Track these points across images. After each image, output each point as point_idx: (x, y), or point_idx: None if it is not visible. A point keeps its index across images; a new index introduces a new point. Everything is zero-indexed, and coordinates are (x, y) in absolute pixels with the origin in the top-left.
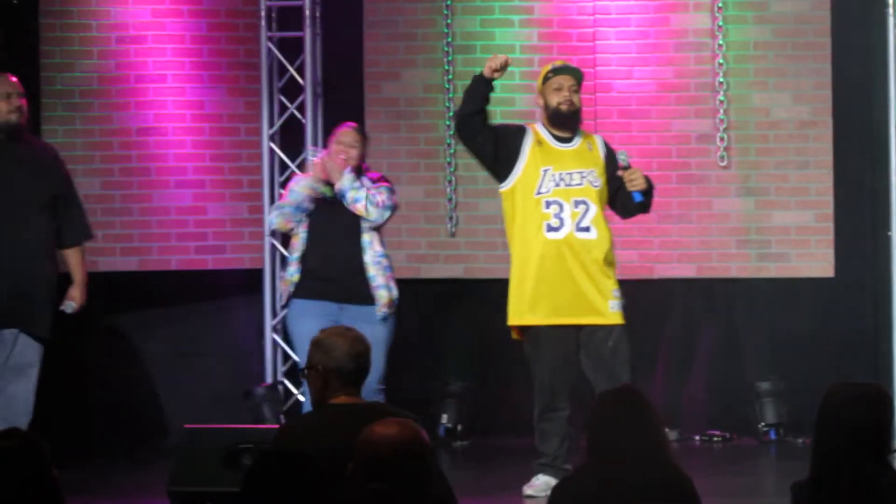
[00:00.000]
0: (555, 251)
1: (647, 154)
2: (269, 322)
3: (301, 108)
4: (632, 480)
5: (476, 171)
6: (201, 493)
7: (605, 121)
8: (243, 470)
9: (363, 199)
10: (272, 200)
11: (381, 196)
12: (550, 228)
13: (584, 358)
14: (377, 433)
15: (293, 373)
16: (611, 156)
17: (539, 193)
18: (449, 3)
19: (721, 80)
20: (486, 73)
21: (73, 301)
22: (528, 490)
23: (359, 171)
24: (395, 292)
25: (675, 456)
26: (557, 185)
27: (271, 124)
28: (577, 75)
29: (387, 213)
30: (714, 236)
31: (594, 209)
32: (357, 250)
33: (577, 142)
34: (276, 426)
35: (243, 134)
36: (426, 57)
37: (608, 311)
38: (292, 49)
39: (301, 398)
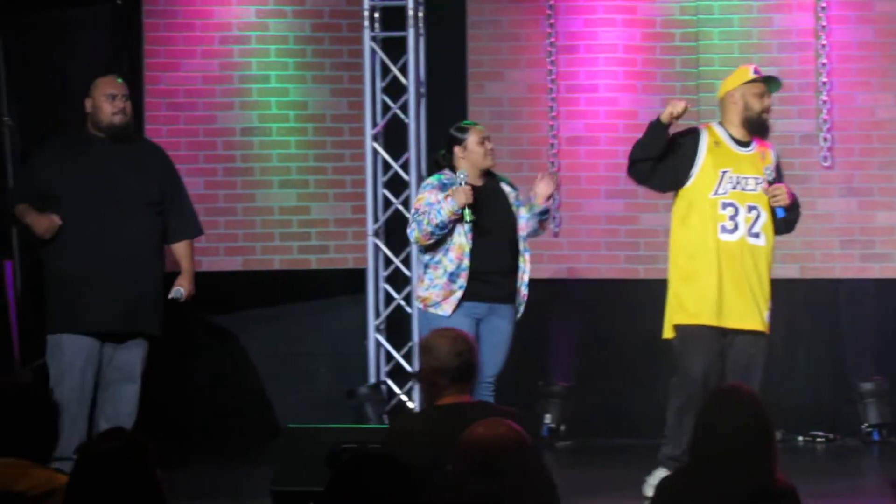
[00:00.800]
0: (729, 253)
1: None
2: (371, 322)
3: (404, 108)
4: (734, 487)
5: (579, 172)
6: (304, 493)
7: (709, 121)
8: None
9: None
10: (375, 200)
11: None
12: (724, 230)
13: (725, 360)
14: (479, 434)
15: (396, 373)
16: (778, 170)
17: (716, 194)
18: (552, 2)
19: (824, 80)
20: (665, 118)
21: (181, 287)
22: (652, 481)
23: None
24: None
25: (780, 461)
26: (734, 187)
27: (374, 124)
28: (775, 86)
29: None
30: (818, 237)
31: (764, 216)
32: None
33: (754, 147)
34: (379, 426)
35: (347, 134)
36: (529, 57)
37: (763, 320)
38: (395, 49)
39: (404, 398)
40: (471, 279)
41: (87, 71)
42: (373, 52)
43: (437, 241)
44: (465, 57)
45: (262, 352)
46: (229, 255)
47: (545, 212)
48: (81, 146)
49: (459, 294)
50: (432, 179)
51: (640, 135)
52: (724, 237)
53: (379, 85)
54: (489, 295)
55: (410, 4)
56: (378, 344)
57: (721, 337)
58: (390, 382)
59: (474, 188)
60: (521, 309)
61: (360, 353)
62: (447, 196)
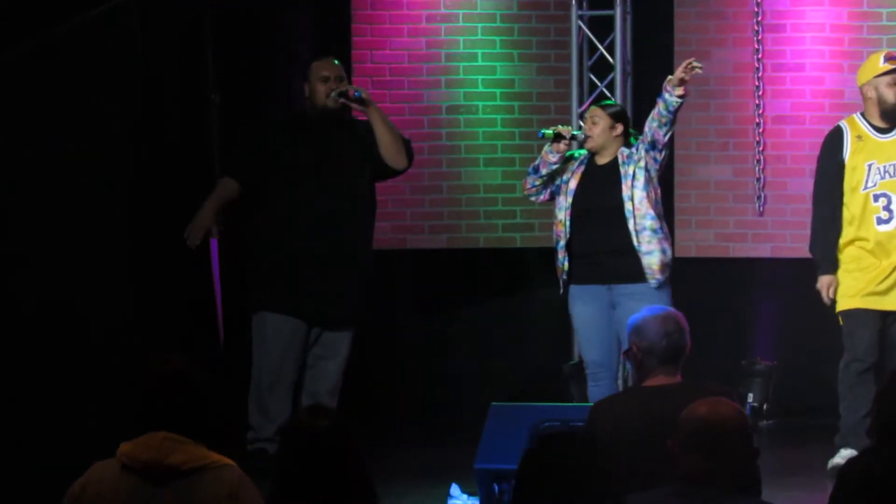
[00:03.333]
0: (881, 243)
1: None
2: None
3: (611, 87)
4: None
5: (785, 151)
6: (507, 471)
7: (852, 114)
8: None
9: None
10: None
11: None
12: (881, 221)
13: (884, 342)
14: (701, 412)
15: None
16: None
17: (867, 188)
18: None
19: None
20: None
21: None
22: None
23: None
24: (668, 254)
25: None
26: (883, 177)
27: (581, 103)
28: None
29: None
30: (789, 217)
31: None
32: (621, 228)
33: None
34: (583, 404)
35: (553, 112)
36: (736, 36)
37: None
38: (602, 27)
39: None
40: (575, 259)
41: (294, 51)
42: (580, 30)
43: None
44: (672, 36)
45: (466, 330)
46: (434, 234)
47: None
48: (297, 127)
49: (564, 272)
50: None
51: (845, 114)
52: (882, 228)
53: (586, 63)
54: (599, 276)
55: None
56: None
57: (881, 319)
58: None
59: (598, 167)
60: (653, 263)
61: (564, 330)
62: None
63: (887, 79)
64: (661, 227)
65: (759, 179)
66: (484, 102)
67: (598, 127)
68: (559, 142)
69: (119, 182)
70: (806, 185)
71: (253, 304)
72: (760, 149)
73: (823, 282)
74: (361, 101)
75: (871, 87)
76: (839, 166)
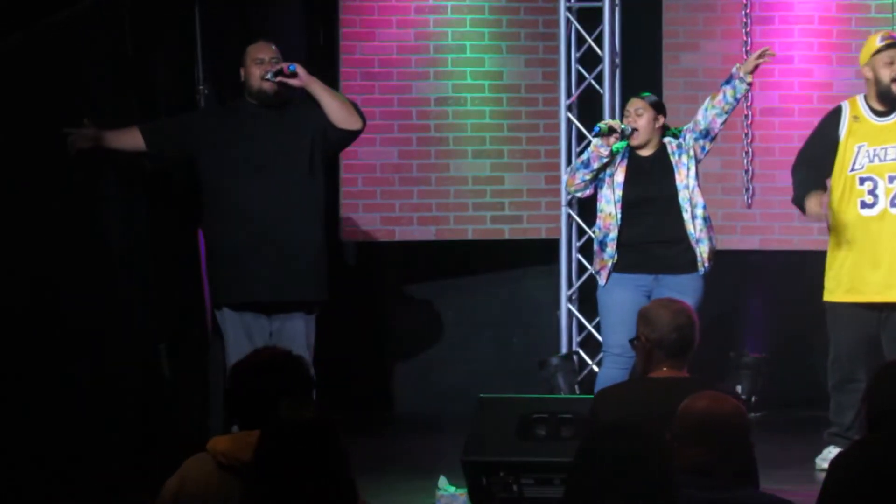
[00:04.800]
0: (867, 229)
1: None
2: (564, 292)
3: (599, 79)
4: None
5: (773, 143)
6: (495, 463)
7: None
8: (537, 440)
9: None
10: None
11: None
12: (864, 205)
13: (882, 335)
14: (701, 406)
15: (588, 343)
16: None
17: (853, 170)
18: None
19: None
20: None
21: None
22: (822, 463)
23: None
24: (714, 243)
25: None
26: (871, 160)
27: (569, 94)
28: None
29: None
30: (777, 209)
31: None
32: (675, 218)
33: (895, 116)
34: (571, 396)
35: (541, 104)
36: (724, 28)
37: None
38: (591, 19)
39: (596, 369)
40: (623, 249)
41: (282, 41)
42: (568, 22)
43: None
44: (661, 27)
45: (455, 321)
46: (422, 225)
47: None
48: (233, 114)
49: (610, 263)
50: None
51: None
52: (865, 212)
53: (574, 55)
54: (652, 264)
55: None
56: (570, 314)
57: (871, 313)
58: (582, 353)
59: (639, 159)
60: (703, 251)
61: (551, 323)
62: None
63: (884, 57)
64: (709, 216)
65: (747, 171)
66: (472, 94)
67: (643, 119)
68: (611, 135)
69: (108, 176)
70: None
71: (214, 300)
72: (749, 141)
73: (811, 203)
74: (296, 75)
75: (868, 67)
76: (833, 143)
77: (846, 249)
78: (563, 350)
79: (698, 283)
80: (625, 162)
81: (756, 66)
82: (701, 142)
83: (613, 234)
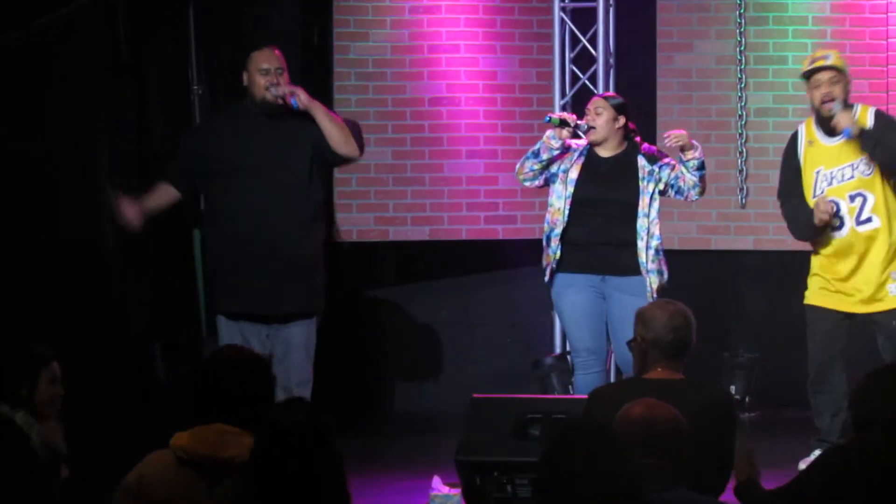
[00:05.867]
0: (837, 249)
1: None
2: None
3: (593, 79)
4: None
5: (767, 143)
6: (489, 463)
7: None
8: (532, 440)
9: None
10: None
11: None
12: (833, 228)
13: (879, 339)
14: (634, 412)
15: None
16: (885, 123)
17: (815, 196)
18: None
19: None
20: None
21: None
22: (802, 465)
23: (633, 146)
24: (665, 277)
25: None
26: (830, 183)
27: (563, 95)
28: (831, 67)
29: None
30: (770, 209)
31: (872, 198)
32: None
33: (842, 137)
34: (565, 397)
35: (535, 104)
36: (719, 28)
37: (887, 295)
38: (585, 19)
39: None
40: (567, 247)
41: (276, 41)
42: (562, 22)
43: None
44: (655, 28)
45: (448, 322)
46: (416, 225)
47: (698, 167)
48: (233, 119)
49: (553, 261)
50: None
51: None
52: (835, 234)
53: (568, 55)
54: (593, 265)
55: None
56: None
57: (839, 317)
58: None
59: (598, 159)
60: (653, 281)
61: (545, 323)
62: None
63: (812, 82)
64: (663, 251)
65: (741, 172)
66: (466, 94)
67: (601, 118)
68: (563, 128)
69: (103, 175)
70: None
71: (212, 306)
72: (743, 141)
73: (817, 213)
74: (298, 109)
75: (807, 92)
76: (797, 170)
77: (823, 264)
78: (557, 350)
79: (645, 287)
80: (581, 160)
81: (682, 148)
82: (670, 193)
83: (559, 230)
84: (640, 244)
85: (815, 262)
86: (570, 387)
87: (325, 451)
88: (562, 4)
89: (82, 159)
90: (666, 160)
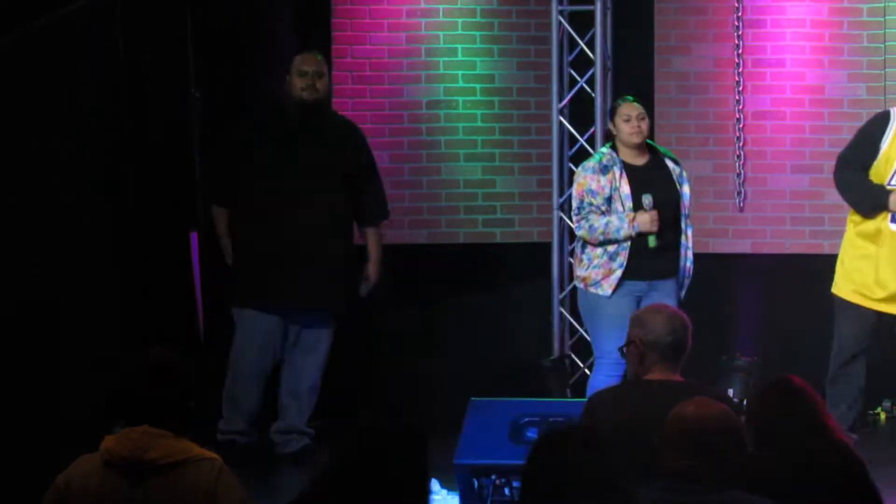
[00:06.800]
0: (891, 243)
1: None
2: (556, 295)
3: (591, 82)
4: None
5: (765, 146)
6: (487, 466)
7: None
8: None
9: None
10: (561, 174)
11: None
12: (894, 220)
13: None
14: (688, 411)
15: (580, 347)
16: None
17: (890, 184)
18: None
19: None
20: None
21: (368, 282)
22: None
23: (650, 146)
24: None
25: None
26: None
27: (561, 98)
28: None
29: None
30: (769, 213)
31: None
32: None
33: None
34: (563, 400)
35: (533, 107)
36: (716, 31)
37: None
38: (583, 23)
39: (588, 372)
40: (631, 256)
41: (273, 44)
42: (560, 25)
43: None
44: (653, 31)
45: (446, 325)
46: (414, 229)
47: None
48: (274, 121)
49: (619, 273)
50: (592, 162)
51: (825, 110)
52: (894, 227)
53: (566, 58)
54: (650, 271)
55: None
56: (562, 317)
57: (877, 318)
58: (574, 356)
59: (635, 168)
60: (686, 284)
61: (544, 326)
62: (632, 220)
63: None
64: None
65: (739, 175)
66: (464, 97)
67: (645, 123)
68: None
69: (100, 177)
70: (786, 181)
71: (232, 298)
72: (740, 144)
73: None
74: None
75: None
76: (874, 146)
77: (864, 255)
78: (555, 353)
79: (677, 288)
80: (624, 173)
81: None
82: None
83: (626, 243)
84: (684, 242)
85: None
86: (567, 390)
87: (413, 465)
88: (560, 8)
89: (79, 160)
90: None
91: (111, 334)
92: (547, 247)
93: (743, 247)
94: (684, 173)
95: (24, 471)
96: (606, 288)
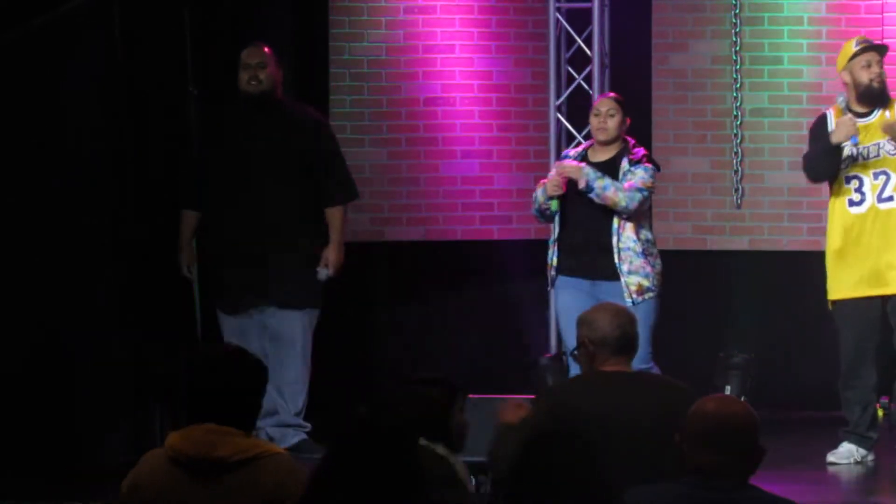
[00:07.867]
0: (856, 225)
1: None
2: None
3: (588, 79)
4: None
5: (762, 143)
6: (481, 464)
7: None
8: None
9: (610, 186)
10: None
11: (634, 178)
12: (852, 203)
13: (892, 320)
14: (710, 409)
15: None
16: None
17: (839, 170)
18: None
19: None
20: (836, 141)
21: (325, 267)
22: (830, 457)
23: (624, 146)
24: (651, 279)
25: None
26: (855, 160)
27: (558, 95)
28: (882, 51)
29: (637, 196)
30: (766, 209)
31: (895, 177)
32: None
33: (876, 114)
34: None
35: (530, 104)
36: (714, 28)
37: None
38: (580, 20)
39: None
40: (563, 253)
41: (272, 41)
42: (557, 22)
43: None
44: (650, 28)
45: (443, 322)
46: (412, 226)
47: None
48: (226, 118)
49: (554, 270)
50: (573, 150)
51: (823, 107)
52: (853, 210)
53: (563, 55)
54: (585, 271)
55: None
56: None
57: (874, 306)
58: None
59: (593, 164)
60: (630, 283)
61: (541, 323)
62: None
63: (860, 61)
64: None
65: (736, 172)
66: (461, 94)
67: (614, 120)
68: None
69: (98, 175)
70: (784, 178)
71: (211, 303)
72: (738, 141)
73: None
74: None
75: (846, 72)
76: (822, 139)
77: (840, 247)
78: (553, 350)
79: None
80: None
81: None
82: None
83: (554, 236)
84: (614, 243)
85: (836, 252)
86: None
87: (402, 462)
88: (557, 4)
89: (78, 159)
90: (645, 164)
91: (111, 334)
92: (544, 244)
93: (741, 244)
94: (641, 172)
95: (26, 471)
96: (550, 281)
